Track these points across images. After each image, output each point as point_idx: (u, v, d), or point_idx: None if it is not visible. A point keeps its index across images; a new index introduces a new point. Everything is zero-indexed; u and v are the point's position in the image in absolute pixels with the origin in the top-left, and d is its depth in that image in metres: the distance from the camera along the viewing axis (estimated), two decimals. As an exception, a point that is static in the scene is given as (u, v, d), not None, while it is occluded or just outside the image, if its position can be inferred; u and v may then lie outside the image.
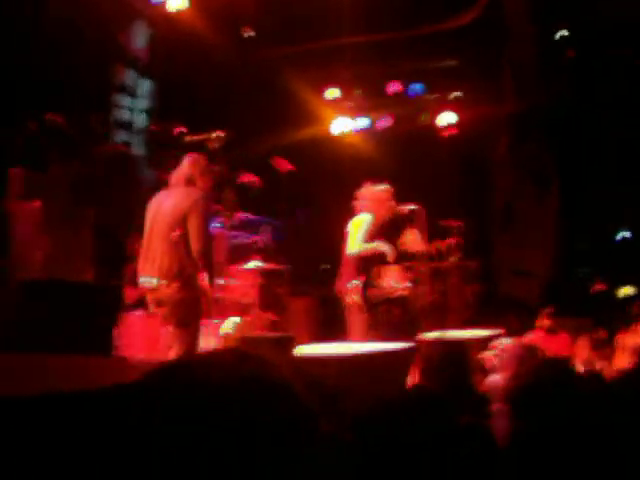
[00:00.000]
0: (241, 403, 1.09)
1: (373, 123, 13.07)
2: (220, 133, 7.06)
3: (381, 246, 7.54)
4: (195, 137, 8.10)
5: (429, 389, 2.92)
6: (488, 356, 5.31)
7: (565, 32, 12.84)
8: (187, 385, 1.10)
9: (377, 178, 8.03)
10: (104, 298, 7.68)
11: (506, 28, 12.50)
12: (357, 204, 7.83)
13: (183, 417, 1.07)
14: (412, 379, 4.06)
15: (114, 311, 7.56)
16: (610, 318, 10.85)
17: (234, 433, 1.08)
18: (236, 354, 1.17)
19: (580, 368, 7.29)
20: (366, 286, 7.38)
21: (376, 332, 7.24)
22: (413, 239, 8.24)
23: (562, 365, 3.47)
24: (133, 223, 8.55)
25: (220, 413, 1.07)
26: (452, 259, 9.01)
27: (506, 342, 5.27)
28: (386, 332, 7.24)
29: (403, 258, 8.01)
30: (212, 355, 1.18)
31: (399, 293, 7.73)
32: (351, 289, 7.43)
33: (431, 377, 3.97)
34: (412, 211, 8.11)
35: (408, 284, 7.91)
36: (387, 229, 7.80)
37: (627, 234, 16.90)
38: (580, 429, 2.95)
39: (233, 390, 1.10)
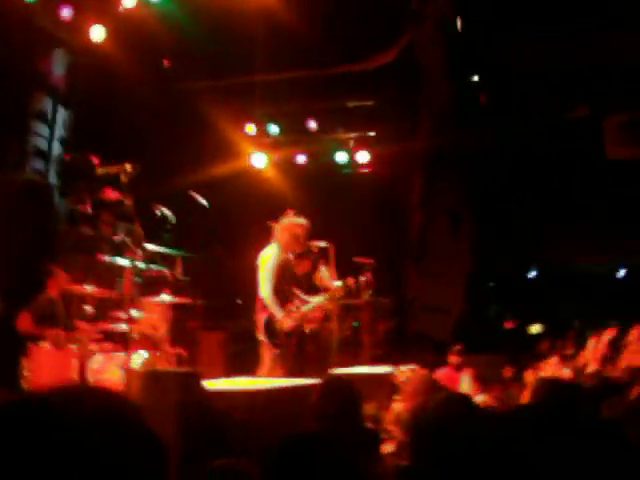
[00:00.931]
0: (90, 437, 1.11)
1: (290, 159, 13.17)
2: (131, 165, 6.97)
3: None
4: (107, 169, 8.01)
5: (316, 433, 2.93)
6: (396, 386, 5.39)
7: (477, 76, 13.23)
8: (33, 421, 1.12)
9: (294, 212, 7.96)
10: (12, 329, 7.53)
11: (422, 69, 12.78)
12: (273, 232, 7.66)
13: (31, 450, 1.09)
14: (307, 417, 4.08)
15: (22, 342, 7.42)
16: (519, 355, 11.11)
17: (82, 465, 1.10)
18: (84, 390, 1.21)
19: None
20: (274, 322, 7.32)
21: (287, 367, 7.23)
22: (324, 276, 8.30)
23: (465, 401, 3.53)
24: (45, 253, 8.42)
25: (69, 446, 1.10)
26: (364, 296, 9.08)
27: (408, 374, 5.35)
28: (297, 367, 7.24)
29: (315, 294, 8.01)
30: (59, 390, 1.20)
31: (310, 329, 7.74)
32: (260, 325, 7.42)
33: (320, 415, 3.99)
34: (323, 248, 8.14)
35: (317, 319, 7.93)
36: (294, 264, 7.75)
37: (535, 272, 17.36)
38: (479, 464, 3.03)
39: (80, 425, 1.12)
